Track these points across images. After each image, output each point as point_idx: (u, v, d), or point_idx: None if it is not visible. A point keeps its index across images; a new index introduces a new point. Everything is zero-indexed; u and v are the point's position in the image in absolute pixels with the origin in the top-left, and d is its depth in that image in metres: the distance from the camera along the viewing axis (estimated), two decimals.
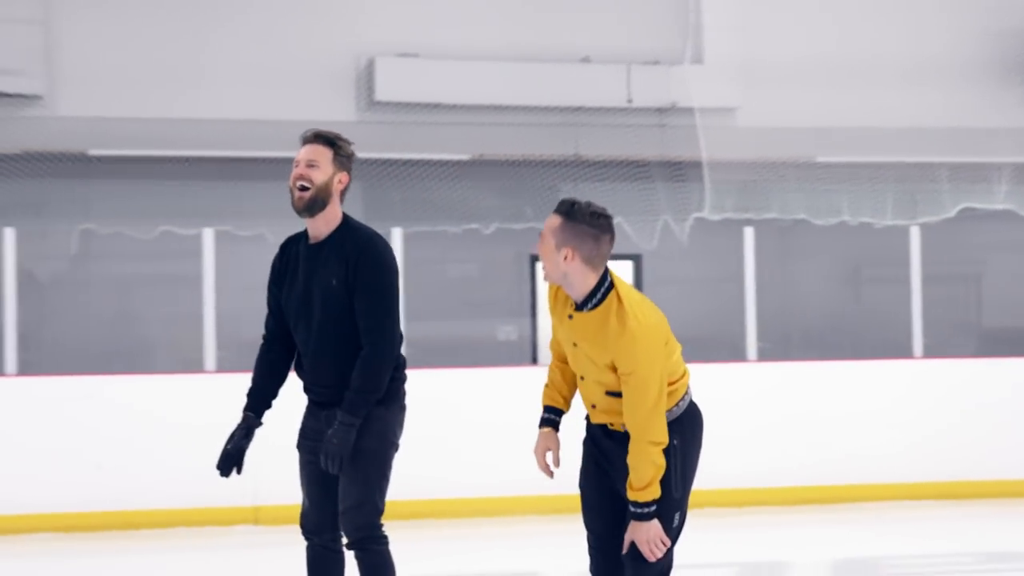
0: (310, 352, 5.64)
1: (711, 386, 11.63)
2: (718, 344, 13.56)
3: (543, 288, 5.51)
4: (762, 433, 11.66)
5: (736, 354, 12.58)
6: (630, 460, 4.99)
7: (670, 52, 15.03)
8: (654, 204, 13.96)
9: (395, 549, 5.69)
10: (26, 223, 12.16)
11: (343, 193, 5.67)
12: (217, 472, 5.63)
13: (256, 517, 10.61)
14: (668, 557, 5.14)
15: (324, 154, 5.65)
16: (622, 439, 5.10)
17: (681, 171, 14.13)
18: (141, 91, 13.90)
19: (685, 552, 9.64)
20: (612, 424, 5.21)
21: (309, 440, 5.74)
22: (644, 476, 4.97)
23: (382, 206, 14.28)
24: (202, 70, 14.18)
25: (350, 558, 5.73)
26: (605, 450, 5.22)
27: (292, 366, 5.81)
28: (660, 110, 14.84)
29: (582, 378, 5.18)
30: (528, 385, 9.49)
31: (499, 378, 11.48)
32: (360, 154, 13.48)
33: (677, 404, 5.13)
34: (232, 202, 13.56)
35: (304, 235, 5.72)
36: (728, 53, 15.00)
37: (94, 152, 13.69)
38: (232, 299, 11.64)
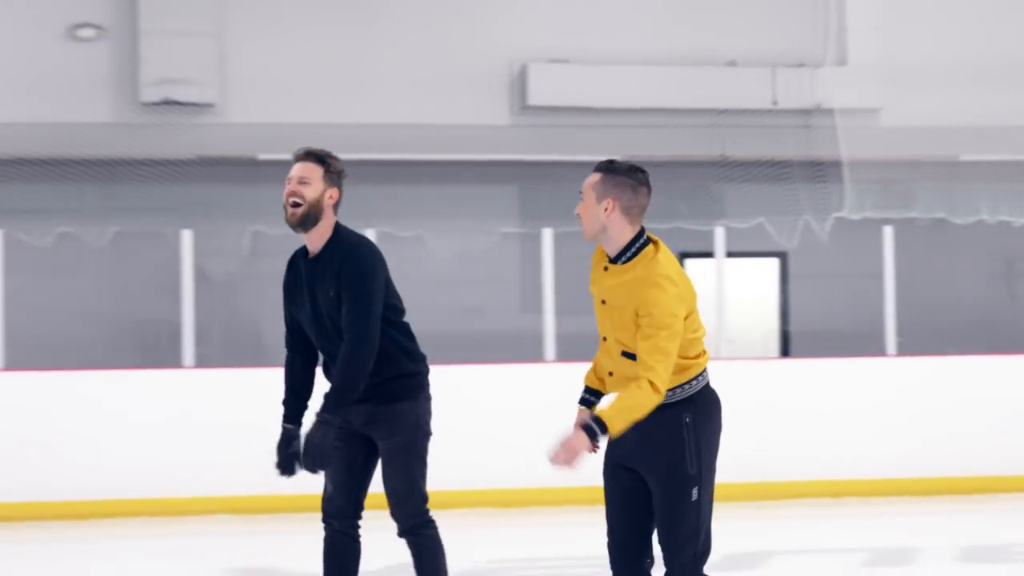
0: (331, 358, 5.85)
1: (850, 380, 12.18)
2: (858, 339, 13.91)
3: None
4: (902, 424, 12.03)
5: (876, 349, 12.92)
6: (622, 391, 5.14)
7: (814, 54, 15.41)
8: (796, 204, 14.34)
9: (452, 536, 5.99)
10: (201, 224, 12.95)
11: (335, 207, 5.84)
12: (278, 472, 5.85)
13: None
14: (702, 540, 5.28)
15: (315, 171, 5.83)
16: (636, 425, 5.17)
17: (822, 171, 14.51)
18: (307, 98, 14.70)
19: (817, 537, 10.11)
20: None
21: (338, 428, 5.80)
22: (622, 404, 5.08)
23: (535, 207, 14.88)
24: (364, 78, 14.93)
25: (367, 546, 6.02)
26: (626, 440, 5.24)
27: (318, 370, 6.02)
28: (804, 111, 15.22)
29: (604, 339, 5.32)
30: None
31: None
32: (512, 156, 14.19)
33: (691, 382, 5.25)
34: (393, 203, 14.24)
35: (305, 249, 5.94)
36: (871, 54, 15.32)
37: (263, 157, 14.52)
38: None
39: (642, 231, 5.24)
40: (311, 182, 5.79)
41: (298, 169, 5.82)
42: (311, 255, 5.85)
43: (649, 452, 5.22)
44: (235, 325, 14.75)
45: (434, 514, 5.87)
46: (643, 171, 5.26)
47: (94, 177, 13.85)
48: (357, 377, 5.71)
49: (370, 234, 12.01)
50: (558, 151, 14.77)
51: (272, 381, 11.01)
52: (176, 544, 10.36)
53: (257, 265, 14.49)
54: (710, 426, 5.25)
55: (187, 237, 12.01)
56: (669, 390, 5.11)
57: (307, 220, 5.79)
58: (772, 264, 15.65)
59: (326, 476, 5.94)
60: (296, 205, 5.78)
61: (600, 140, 14.78)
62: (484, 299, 15.03)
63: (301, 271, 5.89)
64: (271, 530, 10.80)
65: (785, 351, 15.58)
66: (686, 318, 5.15)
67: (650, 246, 5.20)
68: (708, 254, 12.58)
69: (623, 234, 5.18)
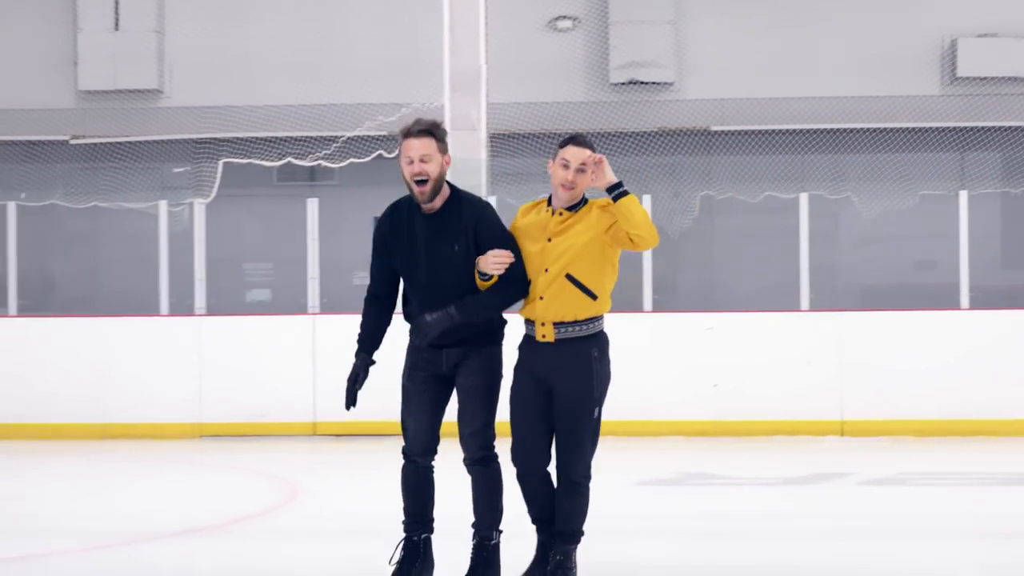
0: (430, 307, 6.27)
1: None
2: None
3: None
4: None
5: None
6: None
7: None
8: None
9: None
10: (659, 189, 14.99)
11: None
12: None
13: None
14: (593, 453, 6.39)
15: (431, 145, 6.22)
16: (559, 347, 6.27)
17: None
18: (755, 76, 16.54)
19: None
20: (563, 318, 6.27)
21: (422, 371, 6.42)
22: (638, 205, 6.17)
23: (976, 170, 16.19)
24: (803, 56, 16.64)
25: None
26: (546, 359, 6.30)
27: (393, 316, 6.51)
28: None
29: (546, 270, 6.27)
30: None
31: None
32: (943, 124, 15.76)
33: (599, 319, 6.34)
34: (825, 169, 15.90)
35: (408, 205, 6.37)
36: None
37: (716, 128, 16.47)
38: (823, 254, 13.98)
39: None
40: (431, 158, 6.22)
41: (417, 148, 6.21)
42: (427, 212, 6.30)
43: (565, 375, 6.27)
44: (689, 275, 16.82)
45: None
46: None
47: None
48: (498, 308, 6.34)
49: (804, 198, 13.73)
50: (987, 119, 15.98)
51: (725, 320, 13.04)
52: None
53: (709, 223, 16.48)
54: (606, 360, 6.39)
55: (647, 201, 14.05)
56: (581, 323, 6.29)
57: (435, 192, 6.26)
58: None
59: (406, 417, 6.48)
60: (422, 183, 6.21)
61: None
62: (932, 254, 16.48)
63: (413, 226, 6.33)
64: None
65: None
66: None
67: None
68: None
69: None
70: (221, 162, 14.67)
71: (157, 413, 13.40)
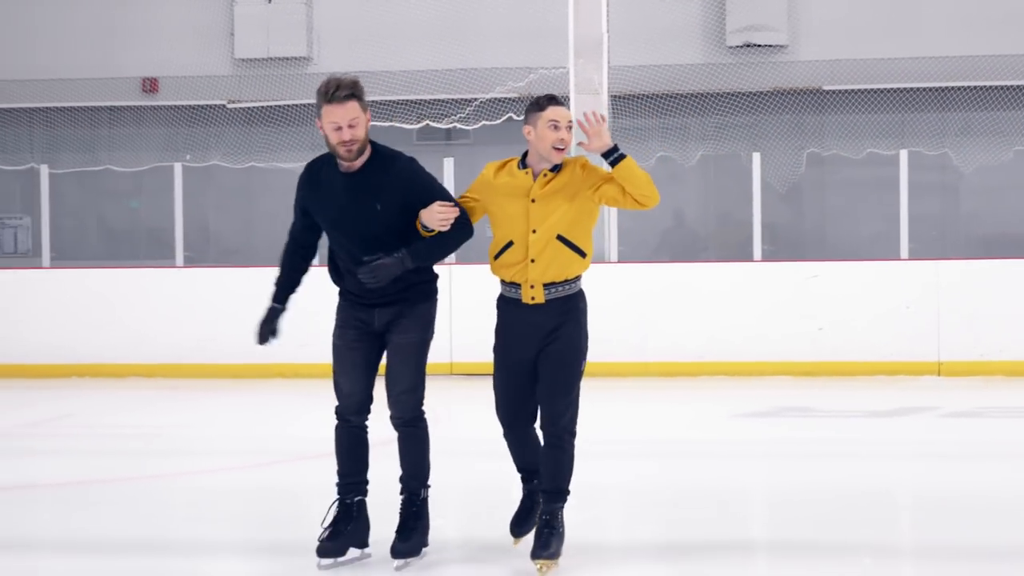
0: (355, 262, 6.17)
1: None
2: None
3: None
4: None
5: None
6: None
7: None
8: None
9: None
10: (769, 146, 15.97)
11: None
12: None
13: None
14: (577, 405, 6.27)
15: (356, 109, 6.01)
16: (549, 307, 6.18)
17: None
18: (864, 37, 17.37)
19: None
20: (554, 279, 6.16)
21: (353, 329, 6.29)
22: (636, 166, 6.09)
23: None
24: (915, 16, 17.44)
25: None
26: (536, 319, 6.18)
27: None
28: None
29: (534, 231, 6.15)
30: None
31: None
32: None
33: (580, 278, 6.26)
34: (928, 127, 16.76)
35: (326, 164, 6.21)
36: None
37: (827, 87, 17.40)
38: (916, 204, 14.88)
39: None
40: (358, 122, 6.02)
41: (343, 114, 5.99)
42: (346, 171, 6.12)
43: (557, 333, 6.18)
44: (796, 227, 17.79)
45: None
46: None
47: (689, 110, 17.17)
48: (447, 254, 6.26)
49: (904, 155, 14.63)
50: None
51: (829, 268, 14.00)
52: None
53: (813, 178, 17.44)
54: (587, 316, 6.30)
55: (755, 160, 15.01)
56: (571, 281, 6.21)
57: (360, 153, 6.08)
58: None
59: (339, 376, 6.32)
60: (351, 149, 6.03)
61: None
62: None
63: (333, 185, 6.17)
64: None
65: None
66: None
67: None
68: None
69: None
70: None
71: (309, 354, 14.60)
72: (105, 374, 14.72)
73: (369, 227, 6.11)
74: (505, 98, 16.22)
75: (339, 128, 5.98)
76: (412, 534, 6.33)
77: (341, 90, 5.97)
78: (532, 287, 6.16)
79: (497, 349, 6.34)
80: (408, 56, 17.64)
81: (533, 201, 6.13)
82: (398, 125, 16.04)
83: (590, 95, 14.72)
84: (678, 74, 17.24)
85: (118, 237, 19.01)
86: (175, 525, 7.52)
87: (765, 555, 7.00)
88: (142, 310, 14.98)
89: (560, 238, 6.12)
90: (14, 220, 19.14)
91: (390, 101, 16.82)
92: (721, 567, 6.45)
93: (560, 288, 6.17)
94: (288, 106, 17.71)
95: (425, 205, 6.10)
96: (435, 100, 17.11)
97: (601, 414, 9.82)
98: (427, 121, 16.35)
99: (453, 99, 16.70)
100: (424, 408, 6.33)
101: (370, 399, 6.32)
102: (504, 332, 6.31)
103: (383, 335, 6.26)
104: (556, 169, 6.19)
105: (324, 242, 6.49)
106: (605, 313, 13.33)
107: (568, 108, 6.31)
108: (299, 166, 6.47)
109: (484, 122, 15.83)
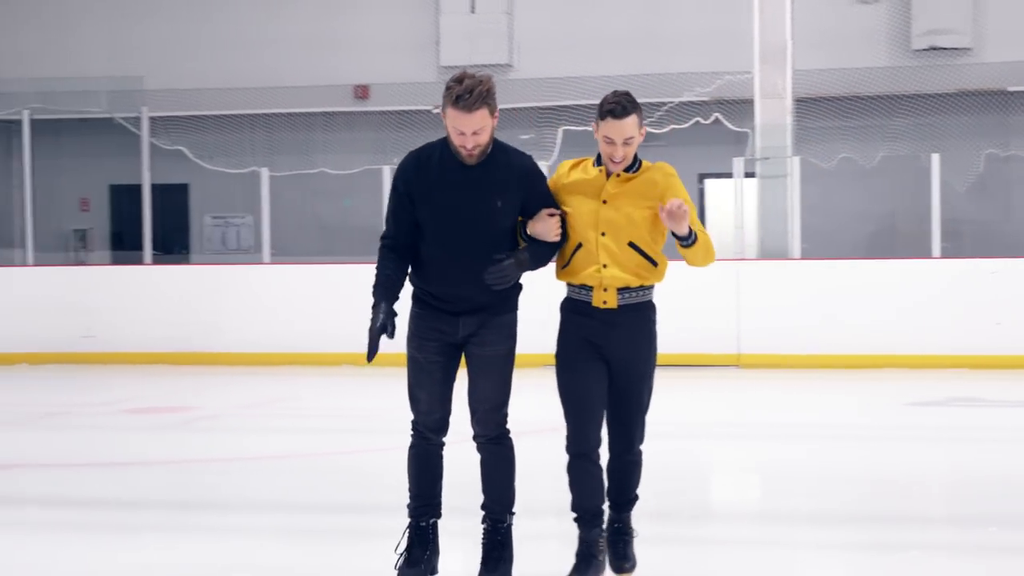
0: (461, 258, 5.75)
1: None
2: None
3: None
4: None
5: None
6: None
7: None
8: None
9: None
10: (950, 146, 16.42)
11: None
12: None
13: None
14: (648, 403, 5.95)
15: (485, 117, 5.60)
16: (621, 313, 5.82)
17: None
18: None
19: None
20: (628, 284, 5.81)
21: (434, 342, 5.81)
22: (705, 237, 5.79)
23: None
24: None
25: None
26: (607, 326, 5.83)
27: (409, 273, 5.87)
28: None
29: (603, 234, 5.81)
30: None
31: None
32: None
33: (654, 287, 5.93)
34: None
35: (439, 153, 5.76)
36: None
37: (1012, 88, 17.76)
38: None
39: None
40: (484, 130, 5.63)
41: (468, 122, 5.57)
42: (466, 163, 5.69)
43: (629, 341, 5.85)
44: (976, 224, 18.13)
45: None
46: None
47: (872, 111, 17.69)
48: (549, 261, 5.88)
49: (982, 157, 14.96)
50: None
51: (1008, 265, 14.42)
52: None
53: (994, 176, 17.80)
54: (656, 328, 5.97)
55: (935, 161, 15.41)
56: (642, 288, 5.86)
57: (482, 157, 5.72)
58: None
59: (418, 391, 5.83)
60: (472, 154, 5.66)
61: None
62: None
63: (445, 177, 5.72)
64: None
65: None
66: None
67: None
68: None
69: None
70: (561, 129, 16.77)
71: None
72: (321, 363, 15.48)
73: (486, 224, 5.72)
74: (693, 101, 16.91)
75: (462, 134, 5.61)
76: (499, 564, 5.88)
77: (471, 99, 5.54)
78: (605, 290, 5.81)
79: (564, 357, 5.92)
80: (603, 62, 18.45)
81: (604, 202, 5.81)
82: (590, 129, 16.81)
83: (774, 99, 15.30)
84: (862, 77, 17.77)
85: (331, 234, 20.15)
86: (379, 493, 8.01)
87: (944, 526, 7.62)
88: (358, 301, 15.88)
89: (632, 245, 5.80)
90: (237, 219, 20.55)
91: (586, 105, 17.58)
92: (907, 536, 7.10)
93: (636, 294, 5.84)
94: None
95: (538, 208, 5.79)
96: None
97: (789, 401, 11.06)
98: None
99: (644, 103, 17.41)
100: (509, 425, 5.92)
101: (448, 415, 5.89)
102: (569, 337, 5.91)
103: (462, 346, 5.84)
104: (633, 169, 5.85)
105: None
106: (788, 311, 14.07)
107: (631, 119, 5.80)
108: None
109: (673, 126, 16.52)
